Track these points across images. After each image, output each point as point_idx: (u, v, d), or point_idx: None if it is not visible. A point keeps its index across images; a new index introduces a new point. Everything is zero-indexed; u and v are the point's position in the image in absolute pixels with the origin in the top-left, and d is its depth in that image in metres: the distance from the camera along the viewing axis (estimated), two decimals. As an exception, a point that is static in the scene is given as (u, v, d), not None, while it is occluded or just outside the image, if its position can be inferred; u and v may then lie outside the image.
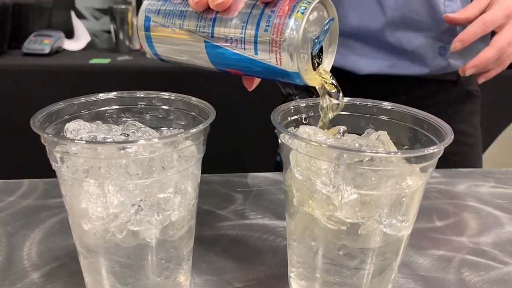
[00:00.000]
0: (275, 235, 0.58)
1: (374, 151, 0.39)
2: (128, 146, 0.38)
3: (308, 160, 0.39)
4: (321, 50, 0.42)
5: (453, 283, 0.50)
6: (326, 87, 0.42)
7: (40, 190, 0.67)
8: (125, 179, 0.37)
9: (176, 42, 0.44)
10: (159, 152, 0.39)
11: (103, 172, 0.37)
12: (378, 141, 0.42)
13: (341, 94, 0.43)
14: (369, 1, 0.82)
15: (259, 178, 0.73)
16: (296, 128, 0.45)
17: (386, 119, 0.47)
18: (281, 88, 0.95)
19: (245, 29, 0.39)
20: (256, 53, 0.39)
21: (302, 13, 0.37)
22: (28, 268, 0.50)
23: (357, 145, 0.41)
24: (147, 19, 0.45)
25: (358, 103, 0.48)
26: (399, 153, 0.39)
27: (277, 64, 0.38)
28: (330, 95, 0.43)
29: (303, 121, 0.46)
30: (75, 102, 0.45)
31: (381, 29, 0.83)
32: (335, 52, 0.44)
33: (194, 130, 0.39)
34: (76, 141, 0.39)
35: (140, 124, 0.44)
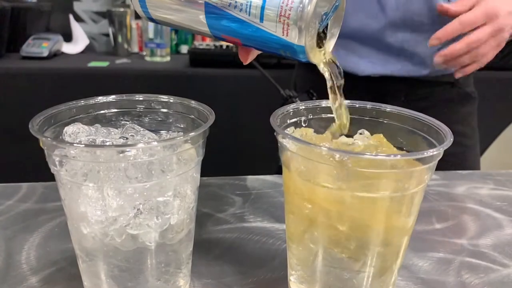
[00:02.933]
0: (275, 238, 0.58)
1: (374, 154, 0.39)
2: (127, 150, 0.37)
3: (307, 163, 0.39)
4: (325, 28, 0.40)
5: (453, 286, 0.50)
6: (328, 64, 0.40)
7: (38, 194, 0.67)
8: (124, 182, 0.37)
9: (172, 1, 0.40)
10: (158, 155, 0.38)
11: (102, 175, 0.37)
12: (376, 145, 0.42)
13: (341, 71, 0.41)
14: (370, 2, 0.83)
15: (258, 181, 0.73)
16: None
17: (386, 121, 0.47)
18: (281, 90, 0.95)
19: None
20: (261, 21, 0.36)
21: None
22: (26, 272, 0.50)
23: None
24: None
25: (357, 105, 0.48)
26: (399, 156, 0.39)
27: (283, 35, 0.36)
28: (332, 73, 0.41)
29: (303, 123, 0.46)
30: (74, 105, 0.44)
31: (381, 30, 0.83)
32: (337, 34, 0.42)
33: (193, 133, 0.39)
34: (75, 144, 0.39)
35: (139, 127, 0.44)
